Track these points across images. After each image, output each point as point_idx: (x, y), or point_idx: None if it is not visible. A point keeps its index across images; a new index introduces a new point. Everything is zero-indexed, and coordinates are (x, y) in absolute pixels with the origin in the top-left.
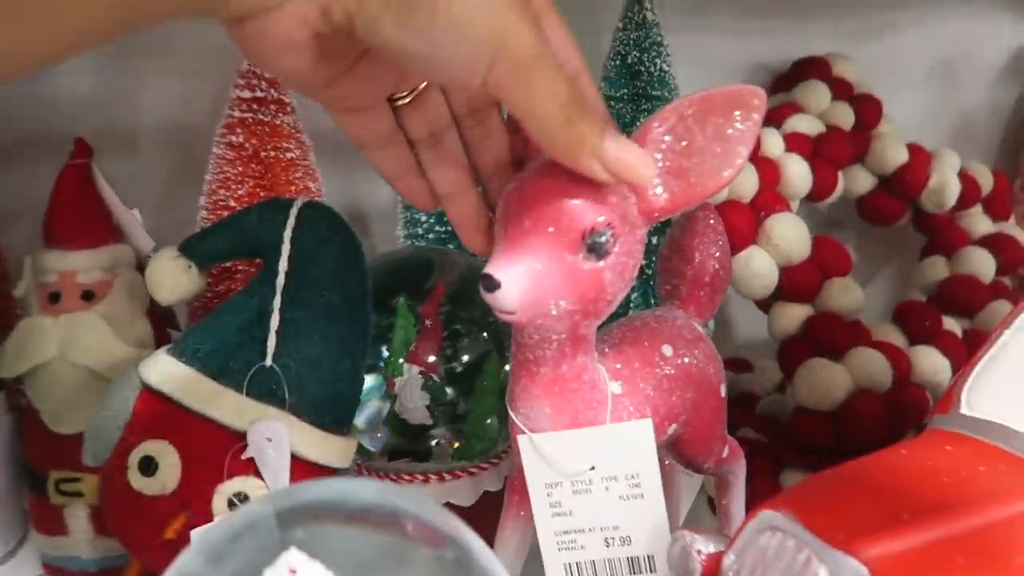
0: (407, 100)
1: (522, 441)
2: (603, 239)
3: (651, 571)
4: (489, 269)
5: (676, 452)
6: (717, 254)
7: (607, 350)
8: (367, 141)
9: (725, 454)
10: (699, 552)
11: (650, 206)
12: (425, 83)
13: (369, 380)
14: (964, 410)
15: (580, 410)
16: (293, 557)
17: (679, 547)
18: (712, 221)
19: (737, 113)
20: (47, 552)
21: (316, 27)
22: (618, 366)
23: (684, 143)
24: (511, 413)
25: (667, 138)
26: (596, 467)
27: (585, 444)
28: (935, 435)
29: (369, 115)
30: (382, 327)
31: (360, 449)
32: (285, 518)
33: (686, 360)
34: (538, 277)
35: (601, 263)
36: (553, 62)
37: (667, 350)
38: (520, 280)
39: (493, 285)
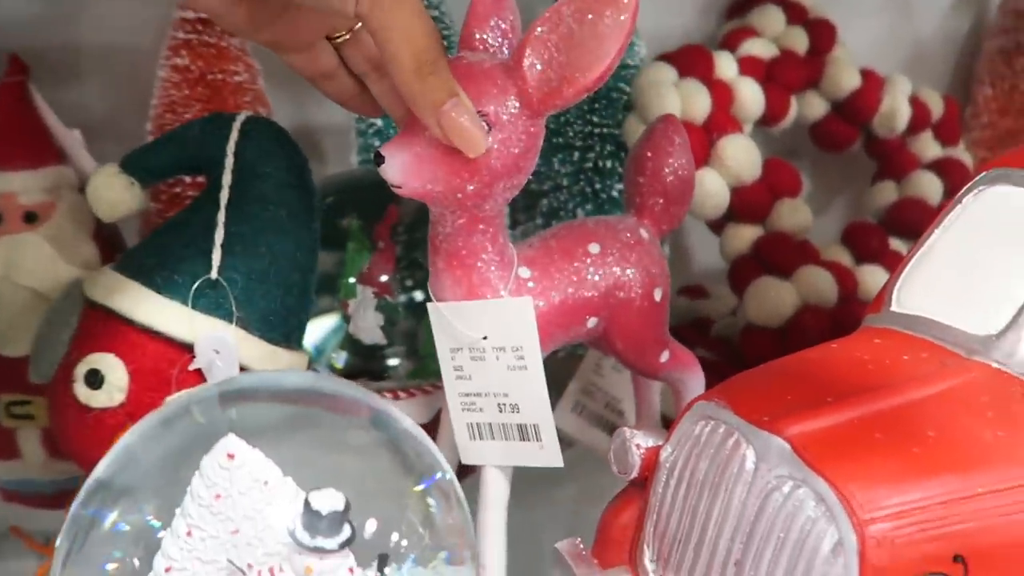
0: (346, 38)
1: (430, 308)
2: None
3: (538, 439)
4: (380, 147)
5: (609, 349)
6: (674, 165)
7: (536, 242)
8: (314, 76)
9: (664, 359)
10: (638, 446)
11: (529, 99)
12: (360, 23)
13: (332, 321)
14: (894, 307)
15: (477, 285)
16: (231, 443)
17: (620, 442)
18: (670, 132)
19: (608, 11)
20: (1, 476)
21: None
22: (536, 255)
23: (564, 40)
24: (429, 285)
25: (550, 37)
26: (488, 337)
27: (476, 315)
28: (866, 331)
29: (311, 54)
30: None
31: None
32: (221, 402)
33: (613, 260)
34: (417, 154)
35: None
36: (418, 7)
37: (594, 248)
38: (400, 156)
39: (380, 160)
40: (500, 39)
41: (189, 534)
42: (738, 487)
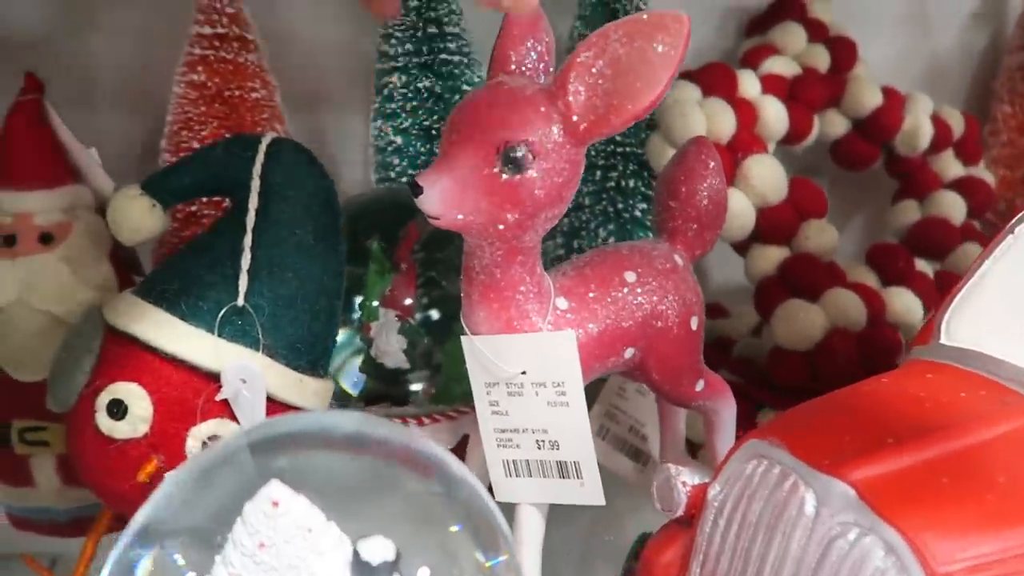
0: None
1: (464, 341)
2: (518, 154)
3: (578, 476)
4: (417, 176)
5: (644, 378)
6: (707, 189)
7: (569, 270)
8: None
9: (699, 388)
10: (684, 484)
11: (574, 127)
12: None
13: (341, 335)
14: (944, 340)
15: (515, 318)
16: (275, 490)
17: (663, 479)
18: (704, 156)
19: (660, 36)
20: (12, 503)
21: None
22: (572, 285)
23: (610, 66)
24: (462, 316)
25: (596, 62)
26: (527, 372)
27: (515, 349)
28: (916, 364)
29: None
30: (355, 273)
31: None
32: (264, 448)
33: (650, 288)
34: (457, 184)
35: (519, 176)
36: None
37: (630, 276)
38: (439, 186)
39: (417, 190)
40: (536, 61)
41: None
42: (797, 532)
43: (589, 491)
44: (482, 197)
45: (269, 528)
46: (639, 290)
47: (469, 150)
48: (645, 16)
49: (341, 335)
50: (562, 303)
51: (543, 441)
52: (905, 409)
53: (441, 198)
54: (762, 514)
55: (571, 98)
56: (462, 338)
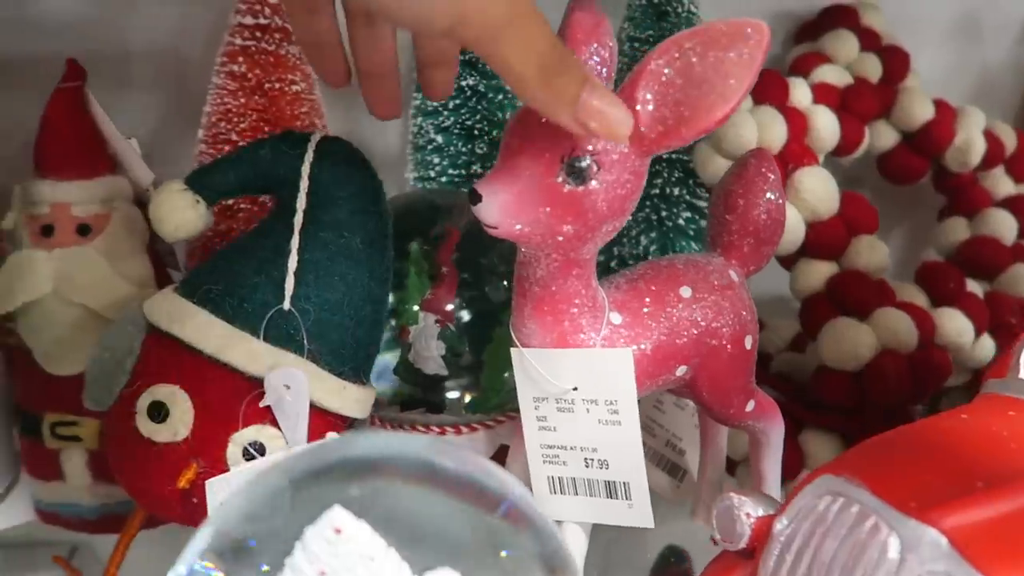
0: None
1: (513, 353)
2: (583, 164)
3: (627, 497)
4: (476, 184)
5: (693, 397)
6: (764, 204)
7: (623, 283)
8: (297, 6)
9: (750, 408)
10: (748, 515)
11: (641, 138)
12: None
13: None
14: (1023, 374)
15: (568, 332)
16: (337, 516)
17: (725, 508)
18: (764, 169)
19: (738, 47)
20: (41, 498)
21: None
22: (626, 299)
23: (682, 76)
24: (511, 327)
25: (667, 71)
26: (578, 388)
27: (568, 364)
28: (993, 400)
29: None
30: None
31: None
32: (338, 472)
33: (706, 304)
34: (517, 194)
35: (582, 187)
36: (532, 17)
37: (685, 292)
38: (499, 195)
39: (476, 198)
40: (599, 66)
41: None
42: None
43: (638, 513)
44: (542, 208)
45: (331, 555)
46: (694, 306)
47: (531, 158)
48: (722, 25)
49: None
50: (616, 318)
51: (592, 459)
52: (990, 449)
53: (501, 208)
54: (837, 554)
55: (639, 107)
56: (512, 350)
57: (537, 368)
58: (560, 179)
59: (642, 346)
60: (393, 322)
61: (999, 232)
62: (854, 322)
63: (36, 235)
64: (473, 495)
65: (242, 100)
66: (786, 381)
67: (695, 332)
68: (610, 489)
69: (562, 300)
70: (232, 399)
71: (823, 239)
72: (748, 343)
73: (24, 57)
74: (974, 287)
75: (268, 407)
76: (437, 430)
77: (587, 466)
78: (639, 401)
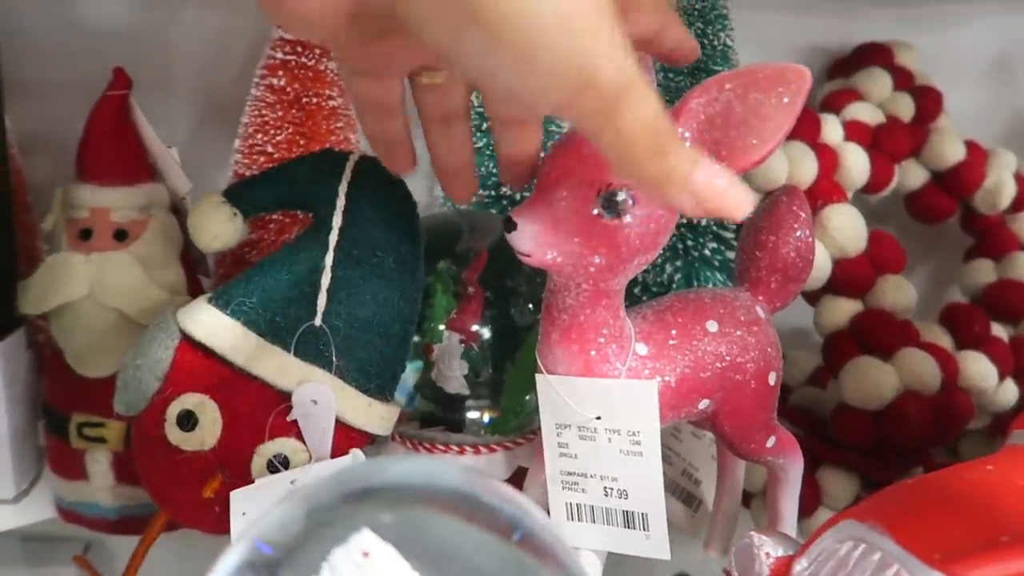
0: (437, 81)
1: (538, 379)
2: (620, 198)
3: (645, 528)
4: (512, 212)
5: (714, 430)
6: (794, 242)
7: (649, 314)
8: (367, 103)
9: (770, 444)
10: (767, 555)
11: None
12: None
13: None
14: None
15: (594, 361)
16: (366, 539)
17: (745, 547)
18: (795, 207)
19: (779, 91)
20: (63, 496)
21: (350, 9)
22: (652, 330)
23: (722, 116)
24: (537, 353)
25: (707, 110)
26: (602, 418)
27: (592, 393)
28: (1020, 451)
29: (382, 83)
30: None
31: None
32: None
33: (731, 339)
34: (553, 223)
35: (617, 221)
36: (643, 85)
37: (712, 326)
38: (535, 224)
39: (511, 226)
40: None
41: None
42: None
43: (654, 544)
44: (576, 239)
45: None
46: (720, 341)
47: (568, 189)
48: (765, 68)
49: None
50: (642, 349)
51: (611, 489)
52: (1016, 503)
53: (535, 237)
54: None
55: None
56: (537, 376)
57: (561, 395)
58: (596, 211)
59: (666, 378)
60: (417, 339)
61: None
62: (877, 361)
63: (74, 238)
64: (501, 527)
65: (279, 113)
66: (805, 415)
67: (719, 366)
68: (628, 519)
69: (589, 330)
70: (260, 411)
71: (849, 277)
72: (772, 379)
73: (67, 62)
74: (999, 331)
75: (294, 421)
76: (456, 449)
77: (606, 495)
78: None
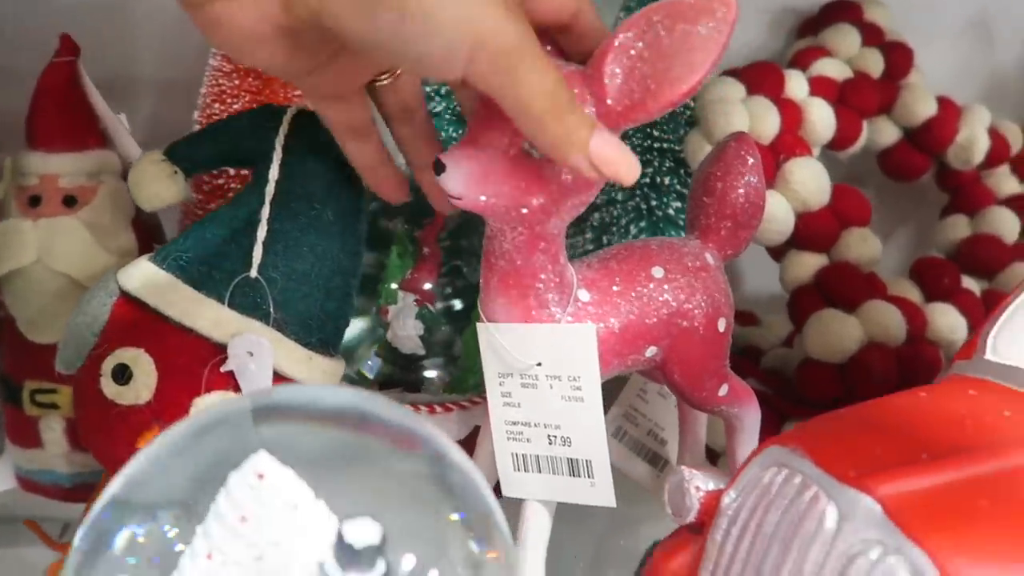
0: (385, 82)
1: (480, 328)
2: None
3: (589, 476)
4: (440, 155)
5: (665, 380)
6: (743, 187)
7: (594, 263)
8: (342, 129)
9: (723, 393)
10: (697, 489)
11: (608, 110)
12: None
13: (365, 320)
14: (989, 356)
15: (534, 307)
16: (261, 461)
17: (676, 482)
18: (744, 152)
19: (706, 21)
20: (21, 464)
21: (279, 21)
22: (596, 277)
23: (650, 49)
24: (479, 303)
25: (635, 44)
26: (542, 364)
27: (532, 340)
28: (957, 380)
29: (348, 104)
30: (378, 256)
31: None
32: (255, 417)
33: (678, 285)
34: (481, 164)
35: (547, 158)
36: (538, 50)
37: (657, 272)
38: (465, 166)
39: (440, 168)
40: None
41: (209, 557)
42: (814, 547)
43: (600, 492)
44: (507, 178)
45: (253, 501)
46: (666, 287)
47: (496, 128)
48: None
49: (364, 320)
50: (584, 295)
51: (555, 436)
52: (943, 425)
53: (465, 178)
54: (779, 525)
55: (607, 81)
56: (478, 325)
57: (502, 343)
58: (525, 147)
59: (610, 324)
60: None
61: (1000, 230)
62: (840, 314)
63: (23, 205)
64: (403, 444)
65: (236, 81)
66: (776, 376)
67: (666, 312)
68: (573, 467)
69: (528, 275)
70: (196, 364)
71: (813, 230)
72: (721, 326)
73: (18, 32)
74: (972, 284)
75: (231, 373)
76: (411, 408)
77: (550, 443)
78: (619, 387)
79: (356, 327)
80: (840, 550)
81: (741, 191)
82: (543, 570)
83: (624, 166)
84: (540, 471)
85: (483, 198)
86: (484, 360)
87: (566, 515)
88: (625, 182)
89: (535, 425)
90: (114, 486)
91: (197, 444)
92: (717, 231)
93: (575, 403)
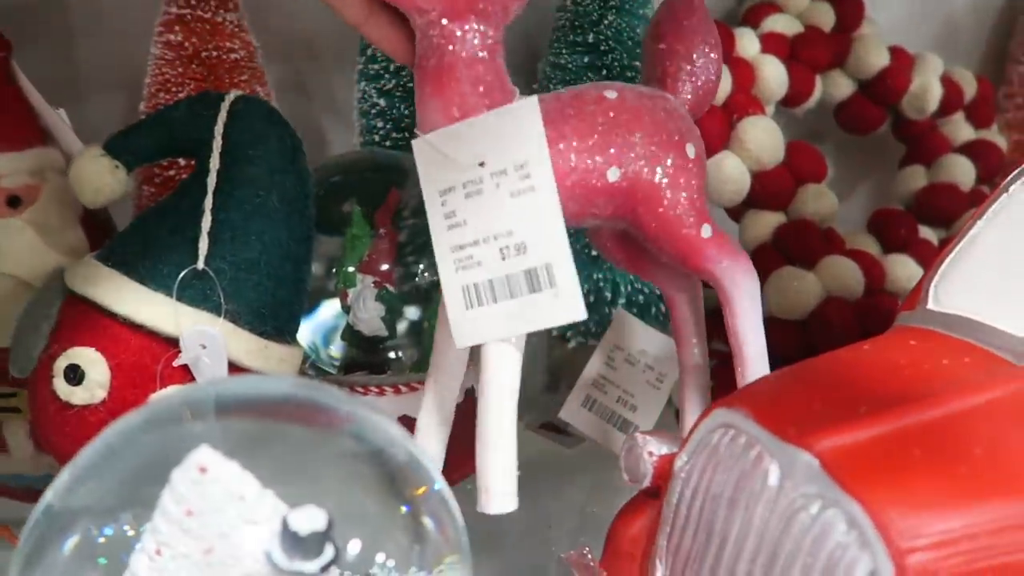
0: None
1: (416, 146)
2: None
3: (551, 284)
4: None
5: (637, 226)
6: (694, 27)
7: (546, 96)
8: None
9: (706, 234)
10: (651, 454)
11: None
12: None
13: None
14: (931, 305)
15: (472, 107)
16: (204, 455)
17: (630, 448)
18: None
19: None
20: None
21: None
22: (547, 104)
23: None
24: (417, 126)
25: None
26: (486, 163)
27: (471, 137)
28: (900, 331)
29: None
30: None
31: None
32: (198, 413)
33: (636, 107)
34: None
35: None
36: None
37: (610, 93)
38: None
39: None
40: None
41: (158, 552)
42: (759, 505)
43: (566, 302)
44: None
45: (197, 495)
46: (622, 107)
47: None
48: None
49: (330, 305)
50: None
51: (508, 247)
52: (883, 377)
53: None
54: (726, 486)
55: None
56: (413, 142)
57: (439, 149)
58: None
59: (566, 134)
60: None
61: (957, 178)
62: (799, 271)
63: None
64: (339, 425)
65: (180, 70)
66: None
67: (625, 131)
68: (532, 280)
69: (464, 71)
70: (149, 360)
71: (769, 189)
72: (691, 151)
73: None
74: (929, 234)
75: (186, 367)
76: (376, 390)
77: (503, 258)
78: (586, 357)
79: (332, 310)
80: (783, 506)
81: (691, 29)
82: (515, 424)
83: None
84: (496, 299)
85: None
86: (423, 182)
87: (547, 484)
88: None
89: (484, 241)
90: (48, 494)
91: (137, 441)
92: (675, 75)
93: (526, 196)
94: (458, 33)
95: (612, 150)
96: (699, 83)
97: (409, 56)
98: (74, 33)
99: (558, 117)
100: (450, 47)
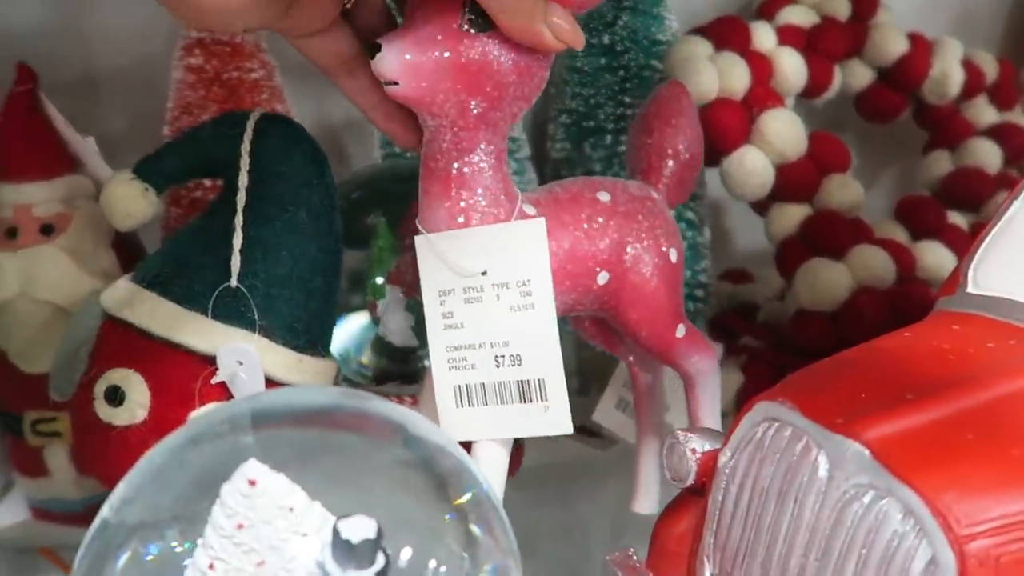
0: (348, 5)
1: (419, 242)
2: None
3: (542, 398)
4: (379, 39)
5: (619, 319)
6: (680, 124)
7: (538, 189)
8: (333, 66)
9: (680, 333)
10: (693, 451)
11: None
12: None
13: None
14: (971, 288)
15: (477, 212)
16: (252, 468)
17: (671, 446)
18: (677, 92)
19: None
20: (32, 495)
21: None
22: (542, 198)
23: None
24: (418, 221)
25: None
26: (488, 272)
27: (477, 244)
28: (941, 316)
29: (330, 36)
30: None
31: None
32: (241, 427)
33: (625, 211)
34: (417, 42)
35: (486, 33)
36: None
37: (603, 196)
38: (399, 42)
39: (375, 49)
40: None
41: (212, 567)
42: (810, 497)
43: (554, 417)
44: (447, 60)
45: (247, 508)
46: (613, 211)
47: (434, 7)
48: None
49: (360, 317)
50: (530, 209)
51: (502, 357)
52: (927, 363)
53: (400, 55)
54: (773, 479)
55: None
56: (416, 239)
57: (443, 251)
58: (464, 26)
59: (559, 239)
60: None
61: (983, 162)
62: (828, 262)
63: (1, 238)
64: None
65: (201, 92)
66: (772, 330)
67: (616, 236)
68: (523, 391)
69: (470, 178)
70: (187, 379)
71: (793, 181)
72: (673, 256)
73: None
74: (958, 219)
75: (224, 384)
76: (409, 400)
77: (497, 365)
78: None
79: (358, 324)
80: (834, 497)
81: (679, 127)
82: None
83: (577, 32)
84: (487, 402)
85: (423, 84)
86: (423, 278)
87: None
88: (577, 46)
89: (480, 346)
90: (104, 510)
91: (185, 458)
92: (659, 170)
93: (525, 312)
94: (468, 143)
95: (604, 256)
96: (681, 178)
97: (415, 145)
98: (94, 63)
99: (555, 225)
100: (460, 155)
